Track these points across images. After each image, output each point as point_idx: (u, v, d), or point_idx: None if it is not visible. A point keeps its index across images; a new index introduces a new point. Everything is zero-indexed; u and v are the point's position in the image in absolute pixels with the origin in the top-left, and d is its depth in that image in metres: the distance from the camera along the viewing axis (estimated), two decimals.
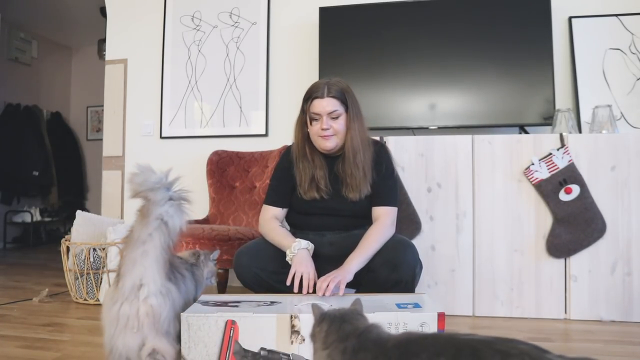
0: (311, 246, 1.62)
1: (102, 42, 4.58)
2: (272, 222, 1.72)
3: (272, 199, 1.77)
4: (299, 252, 1.56)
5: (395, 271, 1.53)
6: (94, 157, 5.55)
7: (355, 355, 0.79)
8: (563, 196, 2.09)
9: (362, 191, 1.64)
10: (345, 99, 1.63)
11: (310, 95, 1.64)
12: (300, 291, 1.48)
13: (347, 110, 1.64)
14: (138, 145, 3.14)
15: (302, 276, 1.49)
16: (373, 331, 0.83)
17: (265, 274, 1.60)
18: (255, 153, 2.81)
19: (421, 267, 1.60)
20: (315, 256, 1.70)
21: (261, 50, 2.97)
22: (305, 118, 1.69)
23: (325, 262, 1.72)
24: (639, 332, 1.89)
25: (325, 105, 1.60)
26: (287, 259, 1.58)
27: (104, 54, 3.32)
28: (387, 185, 1.70)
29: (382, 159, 1.72)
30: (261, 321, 1.17)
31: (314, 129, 1.64)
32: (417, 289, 1.64)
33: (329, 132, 1.62)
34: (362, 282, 1.63)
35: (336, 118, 1.62)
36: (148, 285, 1.13)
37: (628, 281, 2.05)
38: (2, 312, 2.16)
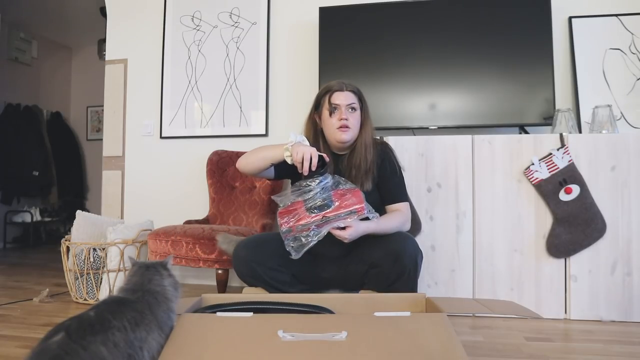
0: (304, 139, 1.61)
1: (102, 42, 4.60)
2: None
3: None
4: (295, 142, 1.57)
5: (399, 261, 1.55)
6: (94, 157, 5.56)
7: None
8: (563, 196, 2.09)
9: (363, 186, 1.68)
10: (361, 96, 1.74)
11: (330, 89, 1.73)
12: (309, 175, 1.50)
13: (361, 107, 1.74)
14: (138, 145, 3.15)
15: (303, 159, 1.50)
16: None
17: (263, 269, 1.59)
18: None
19: (422, 257, 1.62)
20: (318, 256, 1.70)
21: (261, 50, 2.97)
22: (319, 113, 1.75)
23: (328, 262, 1.73)
24: (639, 332, 1.89)
25: (345, 97, 1.70)
26: (286, 156, 1.56)
27: (104, 54, 3.32)
28: (394, 183, 1.76)
29: (386, 157, 1.76)
30: None
31: (332, 121, 1.70)
32: (417, 289, 1.64)
33: (348, 123, 1.68)
34: (365, 281, 1.64)
35: (353, 111, 1.71)
36: None
37: (628, 281, 2.05)
38: (2, 312, 2.16)
